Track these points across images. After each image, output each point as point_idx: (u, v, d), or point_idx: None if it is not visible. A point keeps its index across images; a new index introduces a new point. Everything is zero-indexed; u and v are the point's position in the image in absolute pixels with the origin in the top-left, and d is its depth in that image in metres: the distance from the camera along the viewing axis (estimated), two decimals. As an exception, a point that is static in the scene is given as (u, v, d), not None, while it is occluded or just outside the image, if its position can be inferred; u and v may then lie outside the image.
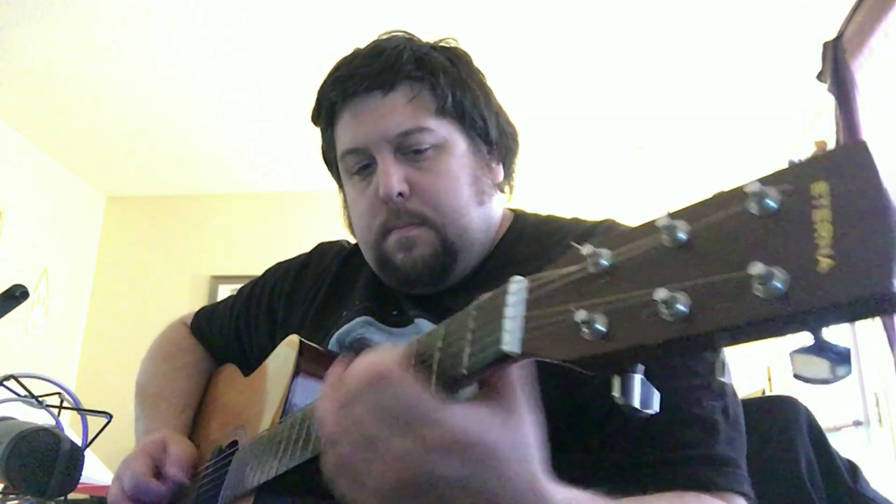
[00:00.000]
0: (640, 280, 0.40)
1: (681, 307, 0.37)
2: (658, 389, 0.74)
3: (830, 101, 2.78)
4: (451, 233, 0.93)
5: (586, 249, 0.44)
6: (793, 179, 0.36)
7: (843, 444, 2.56)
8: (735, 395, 0.81)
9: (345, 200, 1.05)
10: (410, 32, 1.02)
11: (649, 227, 0.42)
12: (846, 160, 0.35)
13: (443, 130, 0.95)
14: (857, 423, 2.82)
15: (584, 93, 3.45)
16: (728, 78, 3.25)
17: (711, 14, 2.86)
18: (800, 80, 3.06)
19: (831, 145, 2.79)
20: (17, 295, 1.23)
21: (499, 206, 1.03)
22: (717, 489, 0.72)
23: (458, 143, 0.96)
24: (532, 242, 0.97)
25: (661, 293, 0.38)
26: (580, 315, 0.42)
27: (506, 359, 0.48)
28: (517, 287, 0.49)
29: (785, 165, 0.38)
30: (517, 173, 1.06)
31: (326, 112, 1.00)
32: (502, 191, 1.03)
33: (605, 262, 0.43)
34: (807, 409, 1.02)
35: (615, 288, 0.42)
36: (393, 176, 0.92)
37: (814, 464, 0.97)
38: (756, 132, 3.60)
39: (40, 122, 3.85)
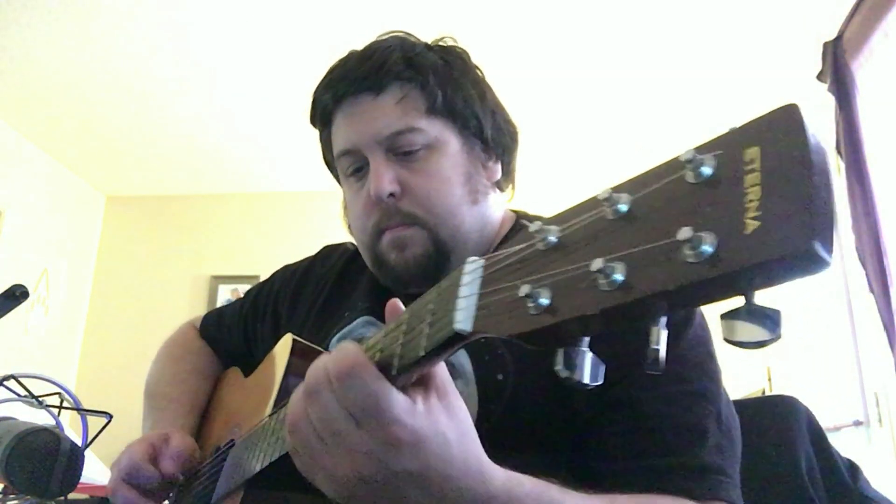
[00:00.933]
0: (582, 253, 0.41)
1: (618, 276, 0.38)
2: (645, 396, 0.75)
3: (830, 101, 2.78)
4: (442, 233, 0.94)
5: (534, 226, 0.45)
6: (727, 145, 0.37)
7: (843, 444, 2.56)
8: (728, 401, 0.82)
9: (345, 201, 1.06)
10: (408, 32, 1.02)
11: (592, 202, 0.43)
12: (777, 122, 0.35)
13: (434, 130, 0.95)
14: (857, 423, 2.82)
15: (584, 93, 3.45)
16: (728, 77, 3.25)
17: (711, 14, 2.86)
18: (800, 80, 3.06)
19: (831, 145, 2.80)
20: (17, 295, 1.23)
21: (498, 205, 1.02)
22: (698, 497, 0.72)
23: (451, 143, 0.96)
24: None
25: (597, 263, 0.39)
26: (524, 289, 0.43)
27: (459, 337, 0.48)
28: (472, 267, 0.50)
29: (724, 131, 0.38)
30: (518, 172, 1.06)
31: (321, 114, 1.01)
32: (500, 188, 1.03)
33: (552, 239, 0.44)
34: (807, 409, 1.02)
35: (559, 262, 0.43)
36: (384, 177, 0.93)
37: (814, 463, 0.97)
38: (756, 132, 3.60)
39: (40, 122, 3.85)
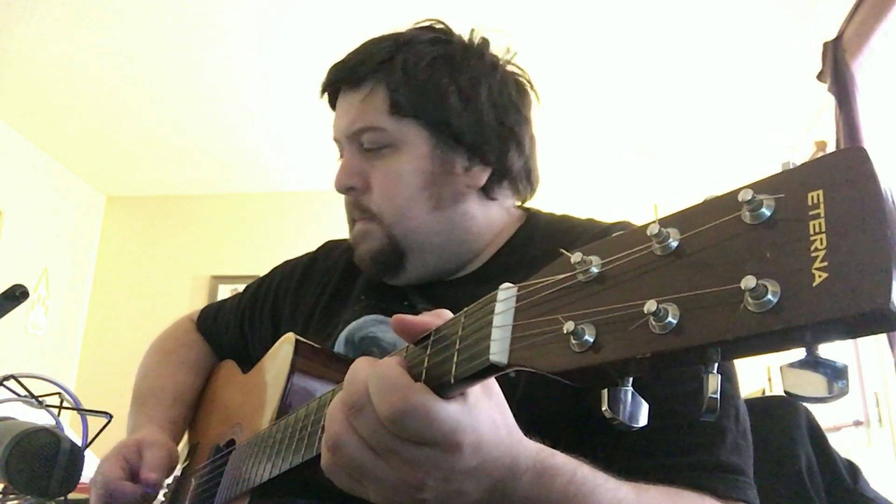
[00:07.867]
0: (630, 290, 0.39)
1: (671, 319, 0.36)
2: (664, 394, 0.74)
3: (830, 101, 2.78)
4: (397, 232, 0.96)
5: (575, 257, 0.43)
6: (787, 187, 0.35)
7: (843, 444, 2.56)
8: (742, 400, 0.82)
9: None
10: (440, 20, 1.03)
11: (640, 235, 0.40)
12: (843, 166, 0.33)
13: (399, 131, 0.94)
14: (857, 423, 2.82)
15: (584, 95, 3.45)
16: (728, 78, 3.24)
17: (712, 15, 2.86)
18: (800, 80, 3.05)
19: (831, 146, 2.79)
20: (17, 295, 1.22)
21: (484, 207, 0.99)
22: (719, 495, 0.72)
23: (417, 145, 0.94)
24: (545, 241, 0.96)
25: (650, 305, 0.37)
26: (568, 326, 0.41)
27: (493, 369, 0.47)
28: (506, 295, 0.48)
29: (779, 169, 0.36)
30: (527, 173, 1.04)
31: (329, 101, 1.05)
32: (487, 193, 0.98)
33: (594, 270, 0.42)
34: (807, 409, 1.01)
35: (604, 298, 0.40)
36: (344, 171, 0.97)
37: (814, 464, 0.97)
38: (756, 133, 3.60)
39: (40, 122, 3.85)
